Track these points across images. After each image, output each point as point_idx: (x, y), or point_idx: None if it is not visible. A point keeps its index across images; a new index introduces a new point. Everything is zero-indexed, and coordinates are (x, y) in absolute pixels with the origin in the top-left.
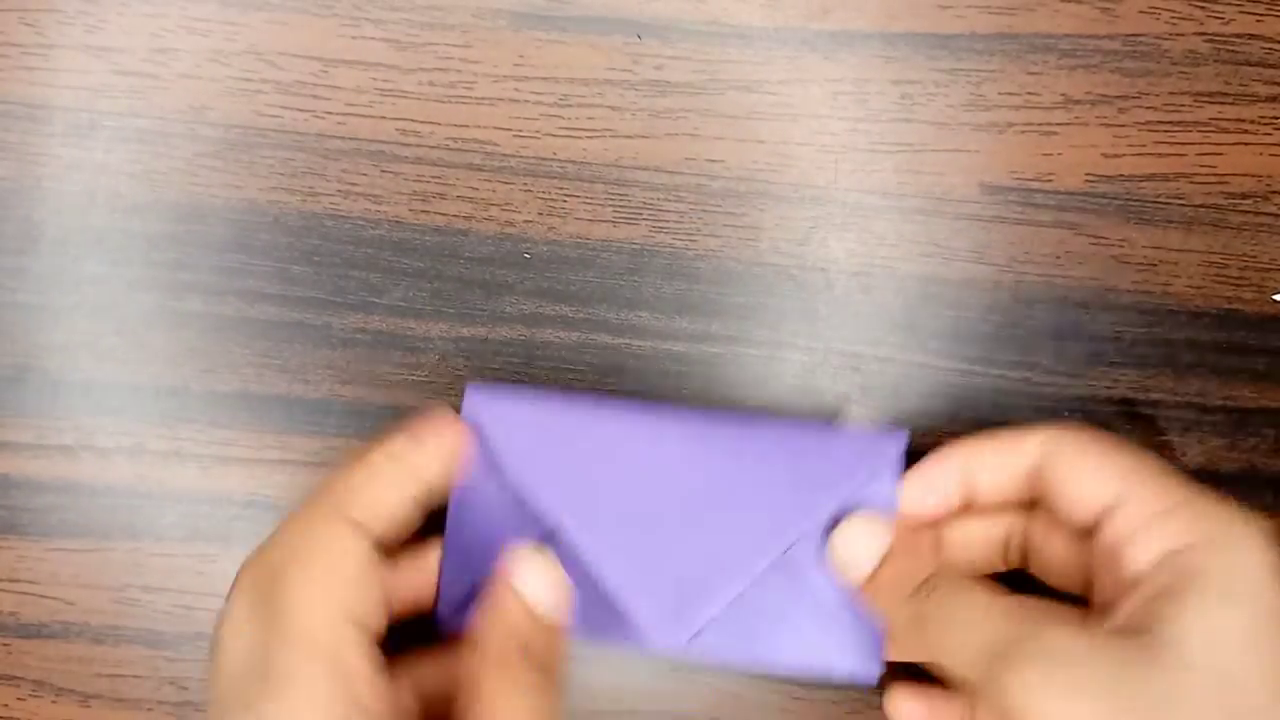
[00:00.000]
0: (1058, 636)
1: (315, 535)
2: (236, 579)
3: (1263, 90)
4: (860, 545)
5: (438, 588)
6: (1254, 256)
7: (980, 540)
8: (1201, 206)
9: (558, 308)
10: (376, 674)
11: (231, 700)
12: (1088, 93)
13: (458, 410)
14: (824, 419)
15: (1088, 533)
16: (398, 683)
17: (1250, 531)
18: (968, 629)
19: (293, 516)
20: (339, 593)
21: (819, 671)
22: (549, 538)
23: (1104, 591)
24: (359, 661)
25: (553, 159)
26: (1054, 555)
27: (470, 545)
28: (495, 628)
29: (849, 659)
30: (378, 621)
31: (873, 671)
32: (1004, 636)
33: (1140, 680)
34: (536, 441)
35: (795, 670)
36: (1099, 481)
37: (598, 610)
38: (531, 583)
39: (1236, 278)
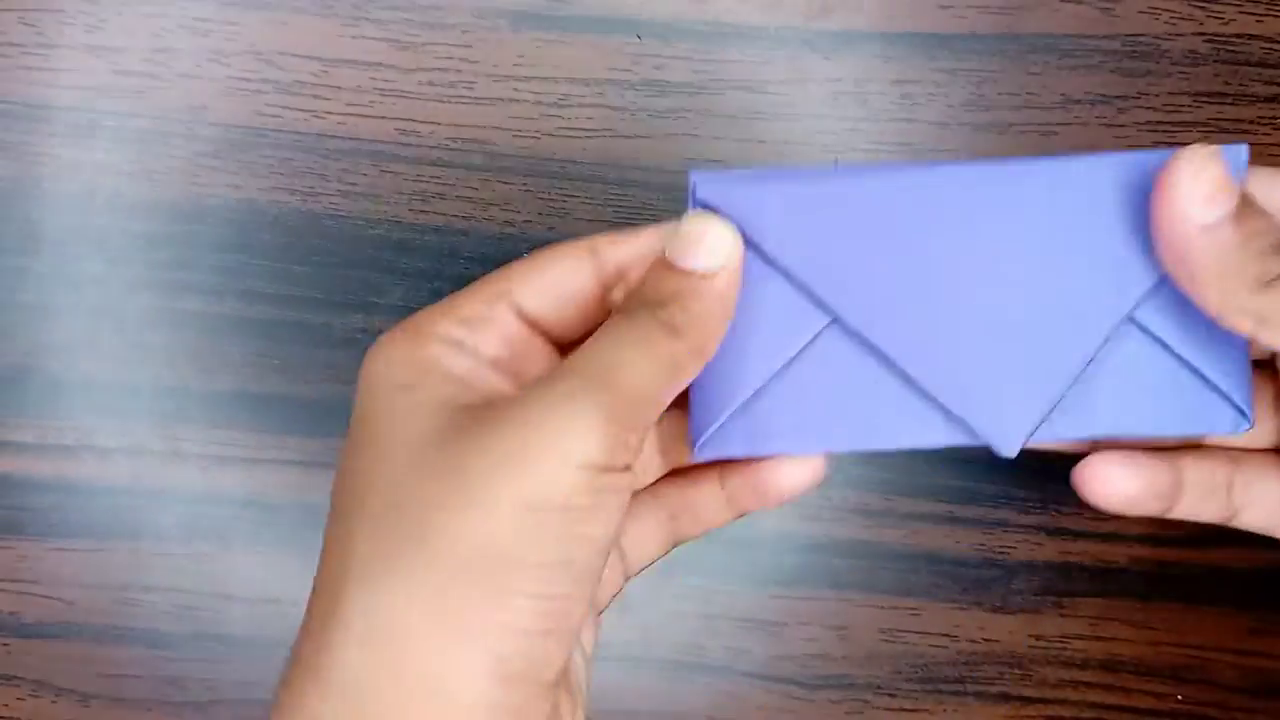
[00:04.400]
0: None
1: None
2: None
3: (1262, 90)
4: (1213, 186)
5: (573, 333)
6: None
7: None
8: None
9: None
10: (495, 320)
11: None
12: (1087, 93)
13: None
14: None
15: None
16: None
17: None
18: None
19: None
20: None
21: (1195, 433)
22: (814, 337)
23: None
24: (480, 308)
25: (553, 159)
26: None
27: (719, 361)
28: (644, 281)
29: (1217, 416)
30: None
31: (1244, 423)
32: None
33: None
34: (794, 224)
35: (1167, 435)
36: None
37: (904, 412)
38: (679, 240)
39: None
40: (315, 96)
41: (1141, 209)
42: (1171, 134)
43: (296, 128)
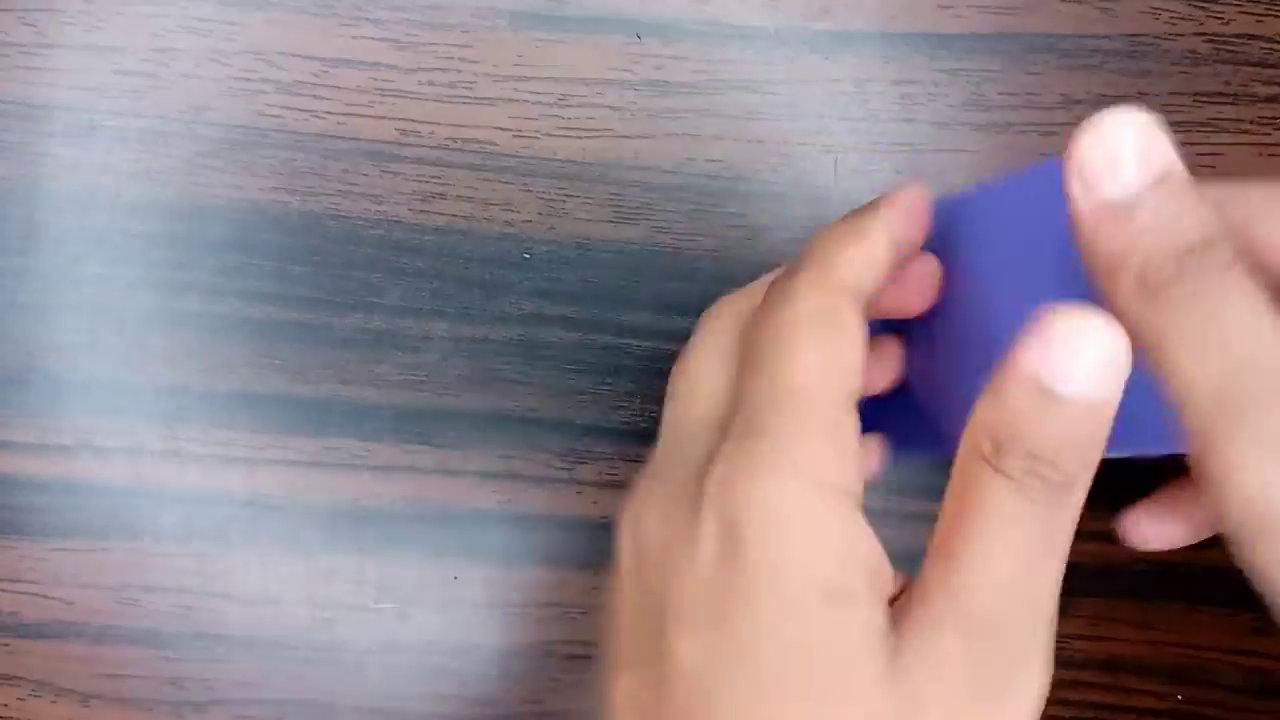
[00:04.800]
0: None
1: (807, 301)
2: (703, 325)
3: (1262, 90)
4: (1123, 153)
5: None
6: None
7: None
8: None
9: (558, 308)
10: (854, 435)
11: (699, 430)
12: (1088, 93)
13: None
14: None
15: None
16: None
17: None
18: (1219, 331)
19: (776, 283)
20: (839, 361)
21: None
22: None
23: None
24: (850, 421)
25: (553, 159)
26: None
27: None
28: (991, 408)
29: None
30: (857, 389)
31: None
32: (1256, 365)
33: None
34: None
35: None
36: None
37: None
38: (1060, 355)
39: None
40: (315, 96)
41: None
42: (1171, 133)
43: (296, 128)
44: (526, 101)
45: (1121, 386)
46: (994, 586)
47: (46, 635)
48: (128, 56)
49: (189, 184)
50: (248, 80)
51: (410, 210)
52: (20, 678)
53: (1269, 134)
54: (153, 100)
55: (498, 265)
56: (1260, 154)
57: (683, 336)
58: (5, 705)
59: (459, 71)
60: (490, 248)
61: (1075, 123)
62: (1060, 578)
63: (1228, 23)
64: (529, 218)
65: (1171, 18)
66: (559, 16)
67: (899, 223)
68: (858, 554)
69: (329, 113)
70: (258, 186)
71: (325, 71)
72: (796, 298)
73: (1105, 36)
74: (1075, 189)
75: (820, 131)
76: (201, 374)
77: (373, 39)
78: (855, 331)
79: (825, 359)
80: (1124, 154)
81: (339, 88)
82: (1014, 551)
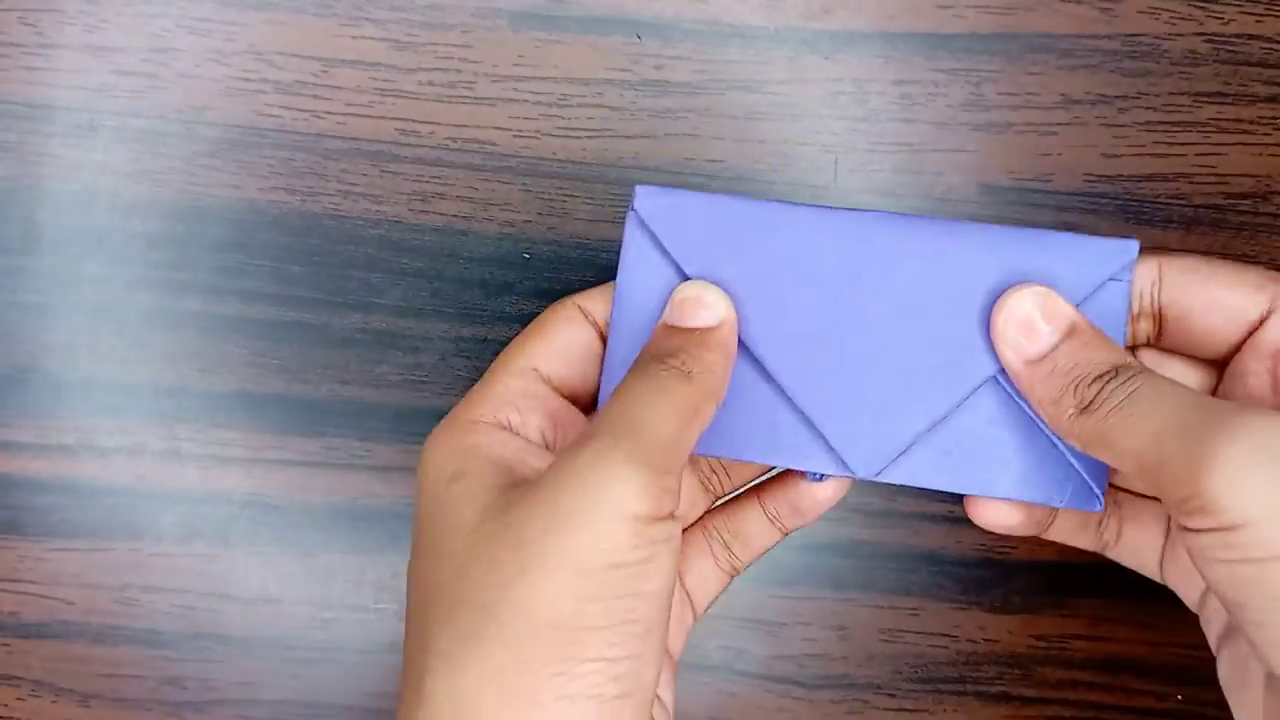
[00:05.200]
0: (1268, 422)
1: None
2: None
3: (1262, 90)
4: (1034, 319)
5: (598, 386)
6: (1253, 257)
7: None
8: (1201, 207)
9: None
10: (527, 392)
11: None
12: (1087, 93)
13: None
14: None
15: (1228, 348)
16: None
17: None
18: (1152, 411)
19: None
20: (526, 344)
21: (1036, 501)
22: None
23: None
24: (513, 381)
25: (552, 159)
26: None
27: (632, 346)
28: (651, 343)
29: (1069, 489)
30: (560, 370)
31: (1095, 503)
32: (1202, 415)
33: None
34: (711, 239)
35: (1007, 498)
36: (1244, 288)
37: (782, 428)
38: (679, 305)
39: None
40: (315, 96)
41: (1015, 278)
42: (1171, 134)
43: (296, 128)
44: (526, 101)
45: (730, 316)
46: (603, 419)
47: (46, 635)
48: (128, 57)
49: (188, 184)
50: (247, 80)
51: (410, 210)
52: (20, 677)
53: (1269, 134)
54: (152, 100)
55: (498, 265)
56: (1260, 154)
57: None
58: (5, 705)
59: (459, 71)
60: (490, 248)
61: (1074, 123)
62: (690, 430)
63: (1227, 23)
64: (529, 218)
65: (1171, 18)
66: (559, 16)
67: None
68: (479, 452)
69: (329, 113)
70: (257, 186)
71: (325, 71)
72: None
73: (1105, 36)
74: (1008, 354)
75: (820, 131)
76: (201, 374)
77: (372, 39)
78: (562, 329)
79: (518, 344)
80: (1035, 320)
81: (339, 88)
82: (631, 397)
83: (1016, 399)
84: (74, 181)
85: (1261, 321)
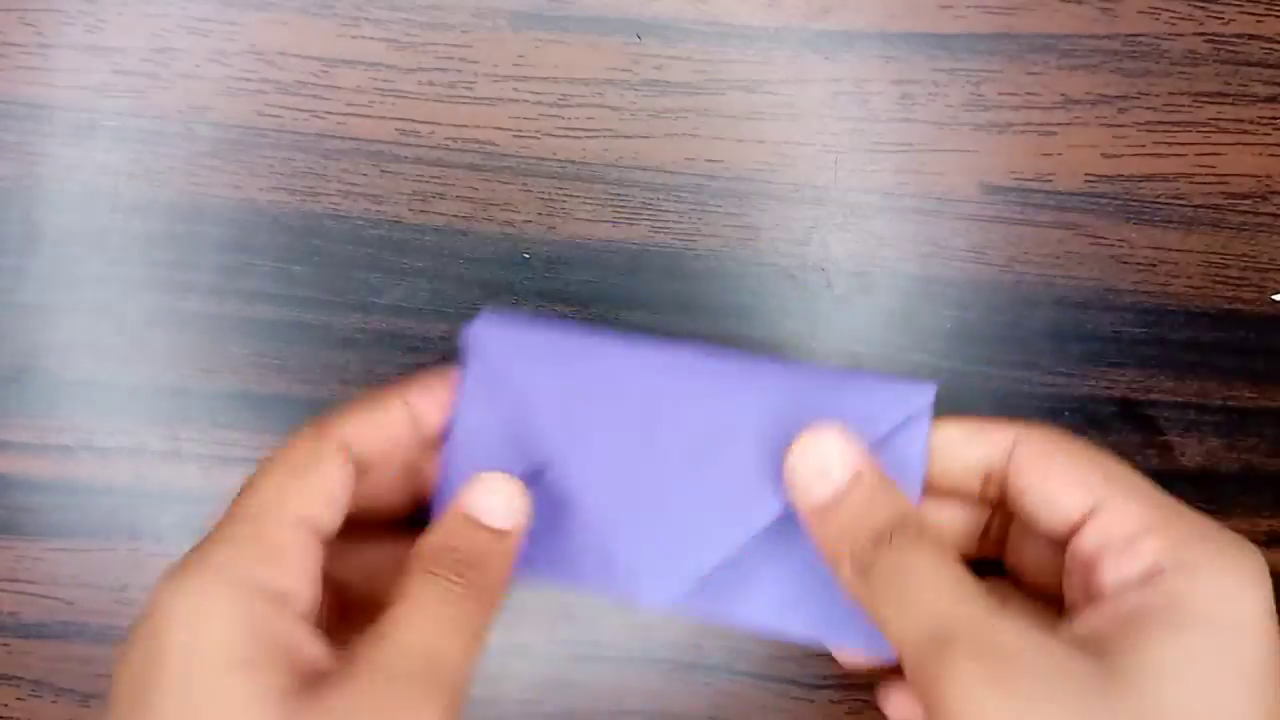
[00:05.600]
0: (1012, 632)
1: (289, 449)
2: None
3: (1262, 90)
4: (825, 462)
5: (430, 509)
6: (1253, 256)
7: (948, 523)
8: (1201, 206)
9: (558, 308)
10: (304, 552)
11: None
12: (1087, 93)
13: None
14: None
15: (1058, 539)
16: (343, 558)
17: (1242, 558)
18: (916, 596)
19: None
20: (299, 492)
21: (816, 642)
22: (542, 472)
23: (1075, 602)
24: (297, 538)
25: (552, 159)
26: (1027, 554)
27: (464, 469)
28: (432, 534)
29: (850, 632)
30: (330, 519)
31: (879, 649)
32: (952, 615)
33: (1098, 708)
34: (541, 371)
35: (791, 637)
36: (1074, 487)
37: (587, 554)
38: (482, 498)
39: (1236, 278)
40: (315, 96)
41: (812, 419)
42: (1171, 133)
43: (296, 128)
44: (526, 101)
45: (522, 523)
46: (401, 647)
47: (46, 635)
48: (128, 57)
49: (189, 184)
50: (247, 80)
51: (410, 210)
52: (20, 677)
53: (1269, 134)
54: (153, 100)
55: (498, 265)
56: (1260, 154)
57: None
58: (5, 705)
59: (459, 71)
60: (490, 248)
61: (1074, 123)
62: (476, 654)
63: (1227, 23)
64: (529, 218)
65: (1171, 18)
66: (559, 16)
67: (417, 398)
68: (267, 634)
69: (329, 113)
70: (257, 186)
71: (325, 71)
72: (284, 447)
73: (1105, 36)
74: (797, 498)
75: (820, 131)
76: (202, 374)
77: (372, 39)
78: (330, 473)
79: (280, 489)
80: (828, 464)
81: (339, 88)
82: (426, 623)
83: (804, 538)
84: (74, 181)
85: (1082, 523)
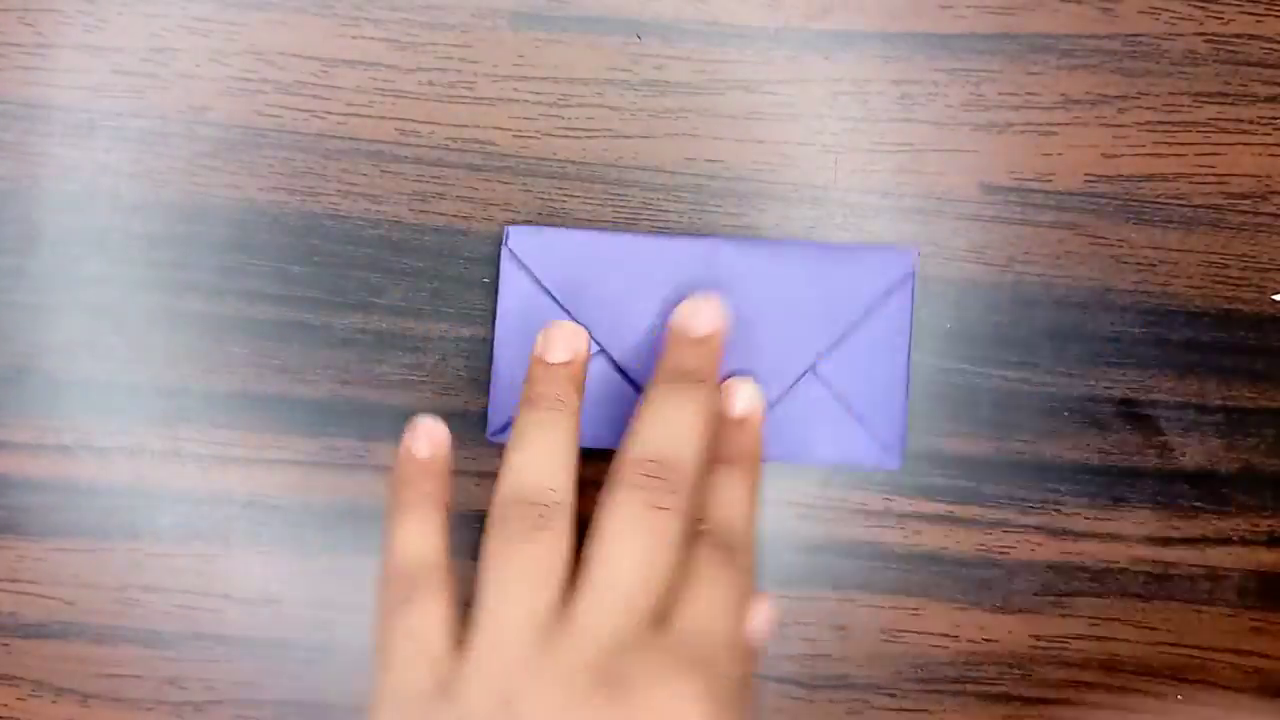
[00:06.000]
0: None
1: None
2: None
3: (1262, 90)
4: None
5: (487, 411)
6: (1253, 256)
7: None
8: (1201, 206)
9: None
10: None
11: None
12: (1087, 93)
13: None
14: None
15: None
16: None
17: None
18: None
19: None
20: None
21: (848, 464)
22: (595, 361)
23: None
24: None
25: (552, 159)
26: None
27: (515, 370)
28: (394, 470)
29: (874, 453)
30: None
31: (894, 462)
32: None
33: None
34: (575, 270)
35: (826, 464)
36: None
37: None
38: (414, 437)
39: (1236, 278)
40: (315, 96)
41: (833, 290)
42: (1171, 133)
43: (296, 128)
44: (526, 101)
45: (583, 353)
46: None
47: (46, 635)
48: (127, 56)
49: (188, 184)
50: (247, 80)
51: (410, 210)
52: (20, 678)
53: (1269, 134)
54: (152, 100)
55: (498, 265)
56: (1260, 154)
57: None
58: (5, 705)
59: (459, 71)
60: (490, 248)
61: (1074, 123)
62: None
63: (1227, 23)
64: (529, 218)
65: (1171, 18)
66: (559, 16)
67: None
68: None
69: (328, 113)
70: (257, 186)
71: (325, 71)
72: (419, 612)
73: (1105, 36)
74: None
75: (820, 131)
76: (202, 374)
77: (372, 39)
78: (453, 600)
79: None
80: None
81: (338, 88)
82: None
83: (827, 387)
84: (73, 182)
85: None
